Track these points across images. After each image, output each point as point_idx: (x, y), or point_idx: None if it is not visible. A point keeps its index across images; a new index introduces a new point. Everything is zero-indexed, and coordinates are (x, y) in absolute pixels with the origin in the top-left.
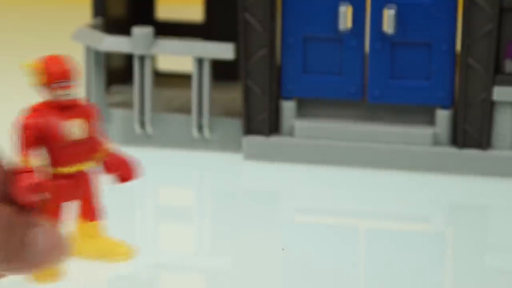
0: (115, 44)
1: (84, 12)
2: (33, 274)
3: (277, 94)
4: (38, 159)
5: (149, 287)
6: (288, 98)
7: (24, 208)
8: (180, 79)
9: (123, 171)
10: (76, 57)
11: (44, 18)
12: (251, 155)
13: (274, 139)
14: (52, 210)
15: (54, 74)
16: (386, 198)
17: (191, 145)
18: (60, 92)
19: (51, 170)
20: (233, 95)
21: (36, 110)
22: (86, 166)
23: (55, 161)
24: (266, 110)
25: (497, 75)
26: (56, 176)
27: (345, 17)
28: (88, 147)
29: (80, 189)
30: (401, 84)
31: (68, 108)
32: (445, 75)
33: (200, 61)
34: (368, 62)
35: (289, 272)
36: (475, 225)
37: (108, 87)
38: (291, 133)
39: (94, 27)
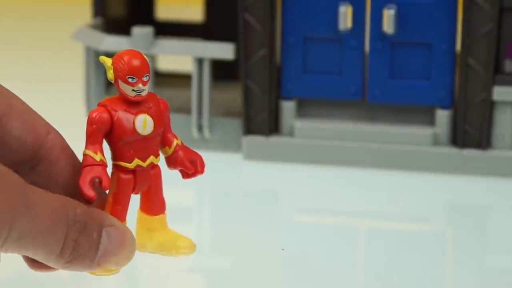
0: (115, 44)
1: (84, 12)
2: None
3: (277, 94)
4: (102, 153)
5: (148, 286)
6: (288, 98)
7: (92, 204)
8: (180, 79)
9: (187, 166)
10: (76, 57)
11: (44, 18)
12: (251, 155)
13: (274, 139)
14: (115, 205)
15: (125, 69)
16: (386, 198)
17: (191, 145)
18: (130, 87)
19: (115, 164)
20: (233, 95)
21: (105, 104)
22: (151, 161)
23: (120, 156)
24: (266, 110)
25: (497, 75)
26: (120, 171)
27: (345, 17)
28: (154, 143)
29: (144, 184)
30: (401, 84)
31: (137, 104)
32: (445, 75)
33: (200, 61)
34: (368, 62)
35: (289, 272)
36: (475, 225)
37: (108, 87)
38: (291, 133)
39: (94, 27)
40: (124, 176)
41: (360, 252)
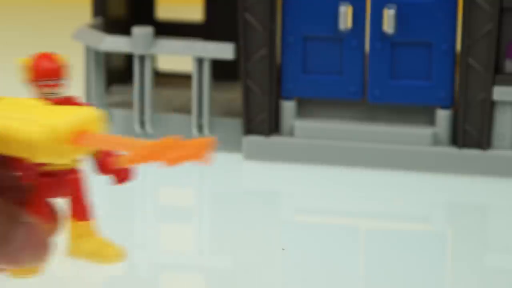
0: (115, 44)
1: (84, 12)
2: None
3: (277, 94)
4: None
5: (149, 287)
6: (288, 98)
7: (10, 202)
8: (180, 79)
9: (118, 172)
10: (76, 57)
11: (44, 18)
12: (251, 155)
13: (274, 139)
14: (32, 206)
15: (39, 71)
16: (386, 198)
17: None
18: (45, 90)
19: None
20: (233, 95)
21: None
22: (68, 165)
23: None
24: (266, 110)
25: (497, 75)
26: (40, 173)
27: (345, 17)
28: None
29: (66, 187)
30: (401, 84)
31: None
32: (445, 75)
33: (200, 61)
34: (368, 62)
35: (289, 272)
36: (475, 225)
37: (108, 87)
38: (291, 133)
39: (94, 27)
40: (40, 179)
41: (360, 252)
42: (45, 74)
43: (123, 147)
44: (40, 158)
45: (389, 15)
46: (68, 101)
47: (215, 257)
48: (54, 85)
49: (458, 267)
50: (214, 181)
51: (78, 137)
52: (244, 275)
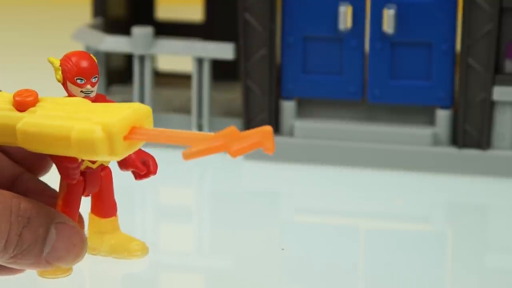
0: (115, 44)
1: (84, 12)
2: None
3: (277, 94)
4: None
5: (149, 287)
6: (288, 98)
7: (47, 203)
8: (180, 79)
9: (139, 167)
10: None
11: (44, 18)
12: (251, 155)
13: (274, 139)
14: (64, 207)
15: (73, 70)
16: (386, 198)
17: None
18: (85, 88)
19: None
20: (233, 95)
21: None
22: (101, 163)
23: None
24: (266, 110)
25: (497, 75)
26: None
27: (345, 17)
28: None
29: (93, 185)
30: (401, 84)
31: None
32: (445, 75)
33: (200, 61)
34: (368, 62)
35: (289, 272)
36: (475, 225)
37: (108, 87)
38: (291, 133)
39: (94, 27)
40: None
41: (360, 252)
42: (87, 72)
43: (183, 141)
44: (95, 156)
45: (389, 15)
46: (100, 98)
47: (215, 257)
48: (93, 83)
49: (458, 267)
50: (214, 181)
51: (133, 133)
52: (244, 275)
